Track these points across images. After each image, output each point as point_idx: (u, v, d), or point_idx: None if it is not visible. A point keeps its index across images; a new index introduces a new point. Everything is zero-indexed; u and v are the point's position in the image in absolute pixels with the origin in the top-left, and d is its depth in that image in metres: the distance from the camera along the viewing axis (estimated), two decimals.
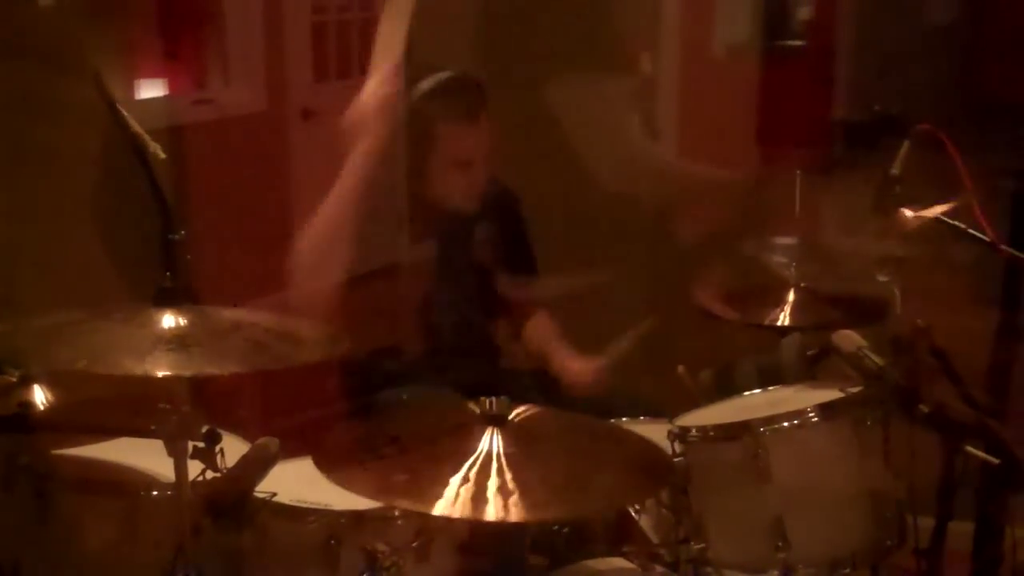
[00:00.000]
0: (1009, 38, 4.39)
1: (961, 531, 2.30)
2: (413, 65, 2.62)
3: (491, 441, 1.79)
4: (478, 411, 1.84)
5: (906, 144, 2.47)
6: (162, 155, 1.89)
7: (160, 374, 1.67)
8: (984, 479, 2.33)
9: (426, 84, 2.74)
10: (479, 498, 1.66)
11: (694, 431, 2.24)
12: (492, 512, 1.64)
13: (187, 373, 1.69)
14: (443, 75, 2.77)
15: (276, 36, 3.68)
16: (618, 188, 3.70)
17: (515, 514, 1.65)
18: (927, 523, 2.26)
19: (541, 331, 2.99)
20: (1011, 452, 2.06)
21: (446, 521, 2.01)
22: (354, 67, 3.81)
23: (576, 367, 2.83)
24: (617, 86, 3.91)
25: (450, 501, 1.65)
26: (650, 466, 1.94)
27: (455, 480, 1.69)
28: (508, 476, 1.70)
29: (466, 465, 1.73)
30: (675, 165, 3.97)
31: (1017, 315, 2.71)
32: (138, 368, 1.67)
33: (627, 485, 1.90)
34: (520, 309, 3.00)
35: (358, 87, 2.46)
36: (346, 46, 3.79)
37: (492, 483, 1.69)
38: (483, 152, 2.77)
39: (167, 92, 3.60)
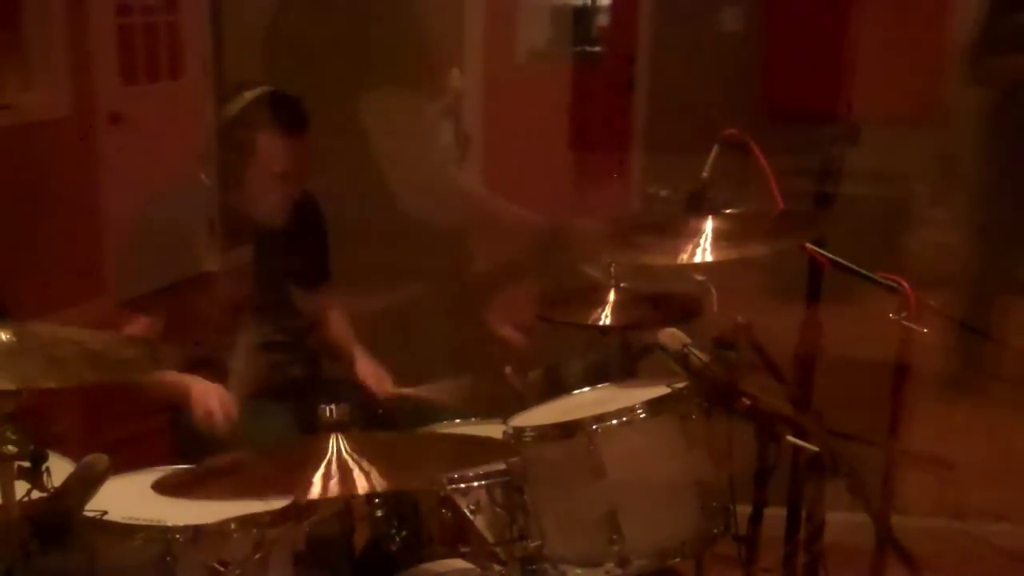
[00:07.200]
0: (792, 47, 4.61)
1: (774, 516, 2.42)
2: (225, 81, 2.59)
3: (337, 445, 1.80)
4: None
5: (715, 148, 2.57)
6: None
7: None
8: (796, 467, 2.46)
9: (247, 96, 2.76)
10: (345, 479, 1.73)
11: (529, 430, 2.28)
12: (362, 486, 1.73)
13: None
14: (263, 89, 2.78)
15: (80, 39, 3.56)
16: (422, 206, 3.70)
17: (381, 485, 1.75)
18: (744, 510, 2.37)
19: (336, 332, 3.04)
20: (825, 442, 2.18)
21: (282, 532, 2.02)
22: (163, 70, 3.72)
23: (369, 371, 2.93)
24: (423, 97, 3.92)
25: (320, 488, 1.72)
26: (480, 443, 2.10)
27: (318, 475, 1.74)
28: (363, 462, 1.77)
29: (323, 464, 1.76)
30: (476, 194, 4.01)
31: (818, 310, 2.85)
32: None
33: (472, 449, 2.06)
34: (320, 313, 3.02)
35: (167, 90, 2.42)
36: (154, 49, 3.70)
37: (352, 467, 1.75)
38: (301, 165, 2.79)
39: None
